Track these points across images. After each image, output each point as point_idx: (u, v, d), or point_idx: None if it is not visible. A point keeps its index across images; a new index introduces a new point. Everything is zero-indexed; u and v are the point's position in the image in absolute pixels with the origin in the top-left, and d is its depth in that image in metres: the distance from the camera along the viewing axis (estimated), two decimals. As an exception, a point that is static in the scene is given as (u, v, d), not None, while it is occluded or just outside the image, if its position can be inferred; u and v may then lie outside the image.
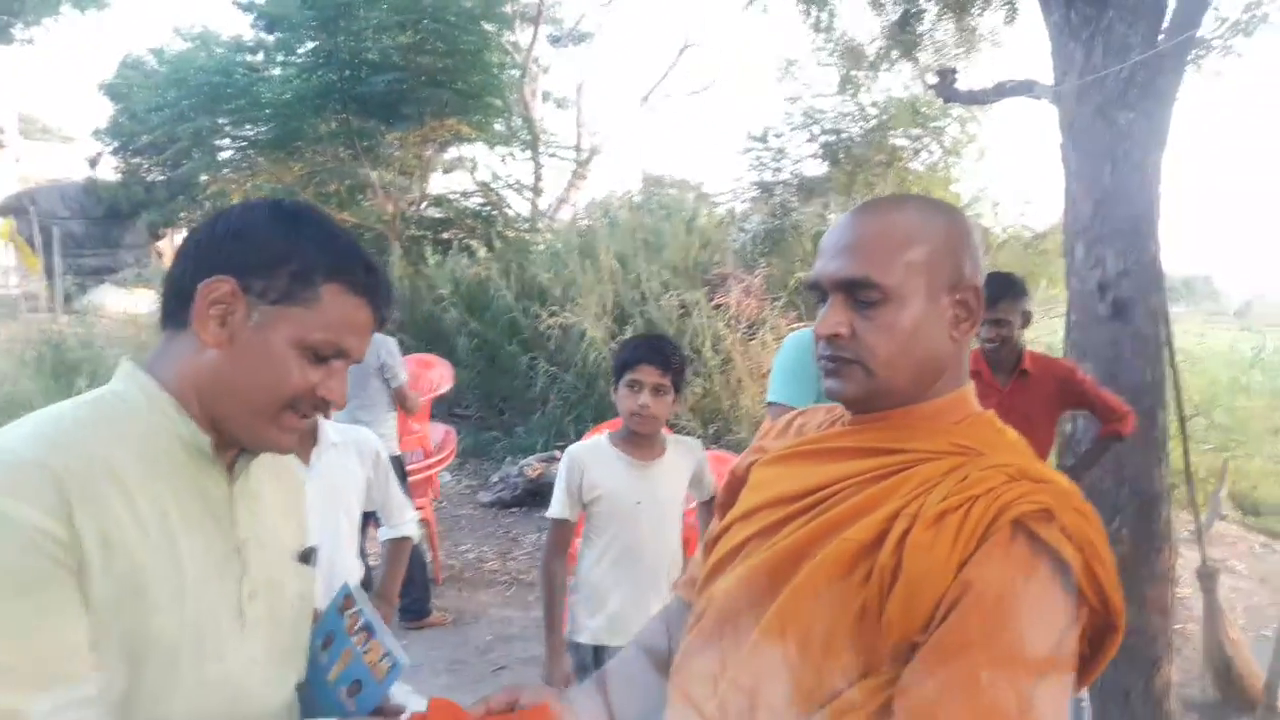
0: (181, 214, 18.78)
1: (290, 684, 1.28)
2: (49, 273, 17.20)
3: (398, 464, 5.12)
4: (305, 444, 2.34)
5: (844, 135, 10.58)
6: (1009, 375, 3.53)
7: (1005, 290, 3.43)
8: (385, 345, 5.05)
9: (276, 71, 13.16)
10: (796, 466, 1.29)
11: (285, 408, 1.17)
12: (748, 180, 11.61)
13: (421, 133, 12.46)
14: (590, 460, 2.76)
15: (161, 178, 19.12)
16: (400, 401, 5.04)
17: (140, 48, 17.72)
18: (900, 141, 10.23)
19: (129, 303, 15.55)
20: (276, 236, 1.16)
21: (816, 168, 11.18)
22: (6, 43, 22.55)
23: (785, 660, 1.15)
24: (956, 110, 9.32)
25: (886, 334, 1.21)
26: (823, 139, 10.96)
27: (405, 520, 2.67)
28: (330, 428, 2.42)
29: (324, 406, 1.19)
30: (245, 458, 1.23)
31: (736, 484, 1.40)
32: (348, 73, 11.85)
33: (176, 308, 1.16)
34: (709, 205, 12.60)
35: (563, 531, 2.78)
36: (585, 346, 8.13)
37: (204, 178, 14.88)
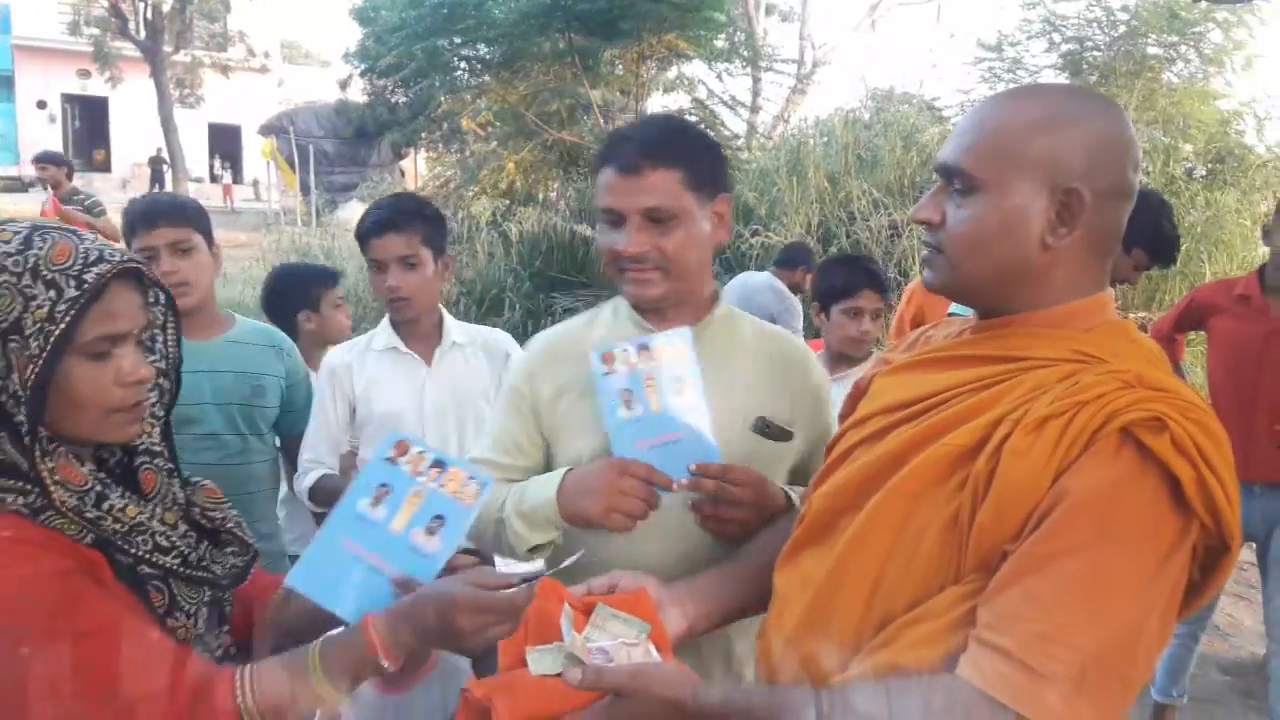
0: (422, 134, 19.76)
1: None
2: (304, 189, 18.75)
3: None
4: (428, 342, 2.40)
5: (1088, 43, 9.72)
6: None
7: None
8: (786, 302, 5.27)
9: (507, -9, 13.49)
10: (913, 375, 1.25)
11: (615, 270, 1.58)
12: (978, 93, 10.93)
13: (639, 49, 12.48)
14: None
15: (404, 99, 20.14)
16: None
17: (388, -27, 18.69)
18: (1153, 50, 9.27)
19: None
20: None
21: (1055, 80, 10.36)
22: (270, -27, 24.41)
23: (871, 564, 1.13)
24: (1222, 13, 8.31)
25: (966, 226, 1.14)
26: (1064, 48, 10.13)
27: None
28: (457, 328, 2.45)
29: (631, 259, 1.53)
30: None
31: (859, 394, 1.37)
32: (570, -12, 11.98)
33: None
34: (935, 120, 11.98)
35: None
36: (788, 266, 7.99)
37: (440, 98, 15.59)
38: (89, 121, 30.53)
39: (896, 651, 1.07)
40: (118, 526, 1.16)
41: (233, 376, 2.26)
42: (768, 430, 1.58)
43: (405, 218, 2.27)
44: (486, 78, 13.87)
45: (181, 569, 1.22)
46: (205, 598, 1.25)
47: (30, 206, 13.53)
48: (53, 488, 1.11)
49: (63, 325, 1.09)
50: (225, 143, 31.69)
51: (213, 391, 2.22)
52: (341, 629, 1.21)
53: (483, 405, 2.42)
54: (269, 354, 2.37)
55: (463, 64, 14.55)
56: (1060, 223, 1.11)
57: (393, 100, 21.06)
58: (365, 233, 2.30)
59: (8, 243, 1.11)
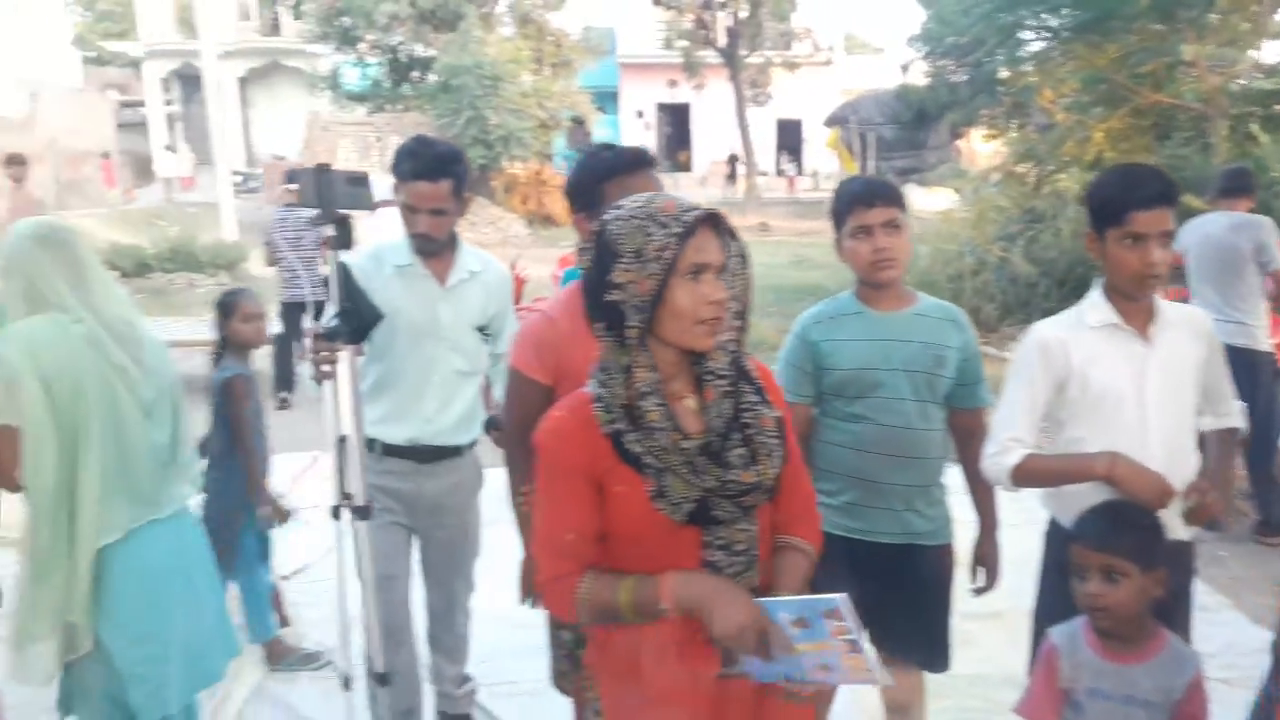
0: (982, 112, 19.20)
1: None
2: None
3: None
4: (1145, 319, 2.23)
5: None
6: None
7: None
8: (1264, 226, 4.59)
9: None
10: None
11: None
12: None
13: (1257, -9, 10.80)
14: None
15: (964, 78, 19.74)
16: (1275, 289, 4.55)
17: (950, -47, 18.31)
18: None
19: (929, 201, 16.66)
20: None
21: None
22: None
23: None
24: None
25: None
26: None
27: (1232, 410, 2.38)
28: (1168, 308, 2.26)
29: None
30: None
31: None
32: (1170, -64, 10.75)
33: None
34: None
35: None
36: None
37: (1004, 74, 14.96)
38: (675, 126, 34.48)
39: None
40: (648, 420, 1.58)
41: (919, 346, 2.40)
42: None
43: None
44: (1061, 45, 12.98)
45: (679, 468, 1.56)
46: (694, 496, 1.57)
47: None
48: (636, 370, 1.56)
49: (670, 251, 1.50)
50: (789, 137, 33.74)
51: (902, 359, 2.39)
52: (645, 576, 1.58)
53: (1196, 389, 2.27)
54: (949, 327, 2.47)
55: (1033, 34, 13.77)
56: None
57: (953, 80, 20.72)
58: None
59: (636, 202, 1.58)
